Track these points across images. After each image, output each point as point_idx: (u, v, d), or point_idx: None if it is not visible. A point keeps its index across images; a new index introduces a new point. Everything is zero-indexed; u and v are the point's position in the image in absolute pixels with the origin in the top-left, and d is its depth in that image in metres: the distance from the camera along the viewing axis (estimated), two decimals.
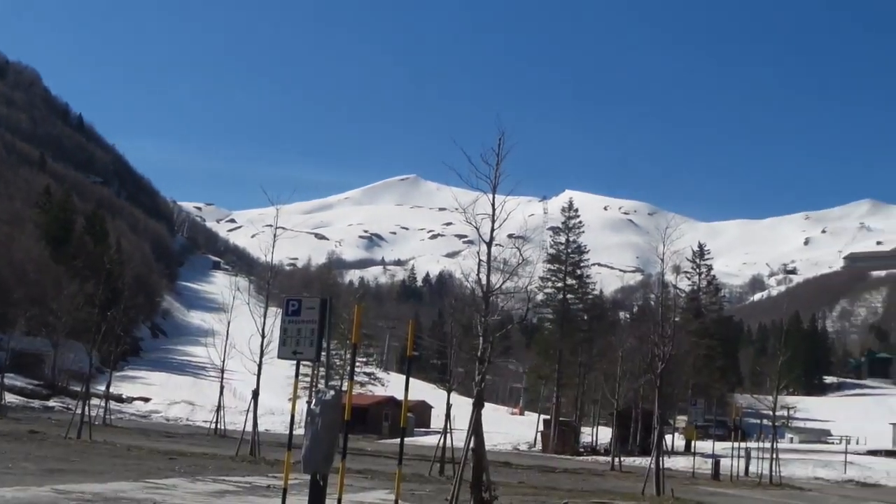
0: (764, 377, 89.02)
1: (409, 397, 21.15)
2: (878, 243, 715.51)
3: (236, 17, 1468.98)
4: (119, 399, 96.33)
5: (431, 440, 60.27)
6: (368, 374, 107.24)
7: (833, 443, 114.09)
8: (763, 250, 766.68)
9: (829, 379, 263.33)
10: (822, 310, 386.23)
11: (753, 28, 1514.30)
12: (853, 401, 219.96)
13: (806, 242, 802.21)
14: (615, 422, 68.56)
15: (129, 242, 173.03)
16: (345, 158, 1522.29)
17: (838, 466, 70.44)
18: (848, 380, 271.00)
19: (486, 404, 21.79)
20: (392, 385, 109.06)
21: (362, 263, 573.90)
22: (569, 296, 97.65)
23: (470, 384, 21.82)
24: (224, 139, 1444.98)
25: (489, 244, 20.52)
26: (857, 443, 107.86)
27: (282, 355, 17.25)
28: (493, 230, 20.55)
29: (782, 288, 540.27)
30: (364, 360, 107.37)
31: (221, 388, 60.28)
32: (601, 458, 74.40)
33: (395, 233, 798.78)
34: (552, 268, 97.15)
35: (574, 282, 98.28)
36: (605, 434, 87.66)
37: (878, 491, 57.85)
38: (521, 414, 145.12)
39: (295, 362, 17.39)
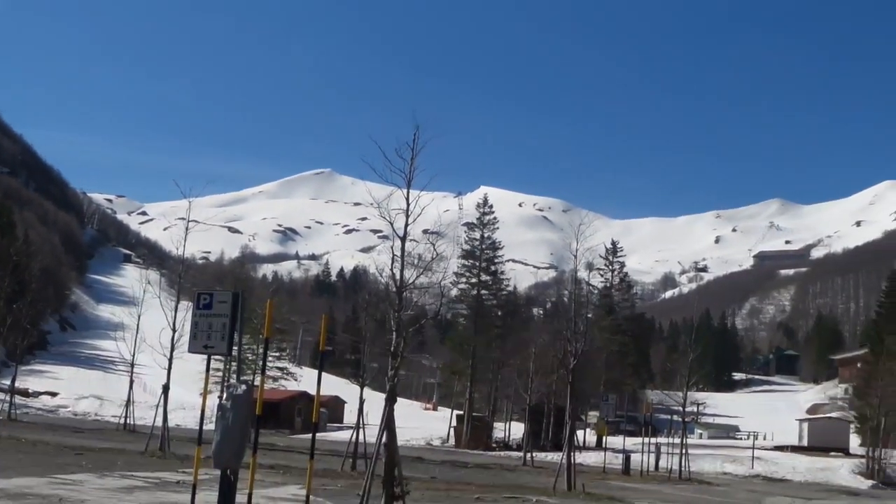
0: (674, 373, 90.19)
1: (323, 392, 21.11)
2: (787, 242, 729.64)
3: (149, 6, 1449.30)
4: (25, 394, 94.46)
5: (344, 435, 60.11)
6: (281, 369, 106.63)
7: (741, 438, 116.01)
8: (675, 248, 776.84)
9: (738, 375, 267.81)
10: (732, 307, 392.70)
11: (667, 26, 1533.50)
12: (761, 397, 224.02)
13: (717, 241, 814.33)
14: (528, 417, 69.00)
15: (37, 234, 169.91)
16: (259, 152, 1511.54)
17: (746, 461, 71.65)
18: (756, 376, 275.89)
19: (400, 399, 21.84)
20: (305, 380, 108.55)
21: (276, 258, 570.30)
22: (483, 292, 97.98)
23: (383, 379, 21.79)
24: (136, 130, 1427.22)
25: (403, 239, 20.53)
26: (765, 438, 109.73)
27: (193, 349, 17.11)
28: (406, 225, 20.55)
29: (693, 285, 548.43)
30: (277, 354, 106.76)
31: (131, 382, 59.50)
32: (514, 454, 74.77)
33: (309, 227, 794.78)
34: (467, 263, 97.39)
35: (488, 278, 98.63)
36: (517, 429, 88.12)
37: (785, 485, 59.01)
38: (435, 409, 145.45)
39: (206, 357, 17.26)
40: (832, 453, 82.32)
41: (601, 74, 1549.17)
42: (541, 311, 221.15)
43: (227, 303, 16.86)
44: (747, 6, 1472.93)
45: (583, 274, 76.24)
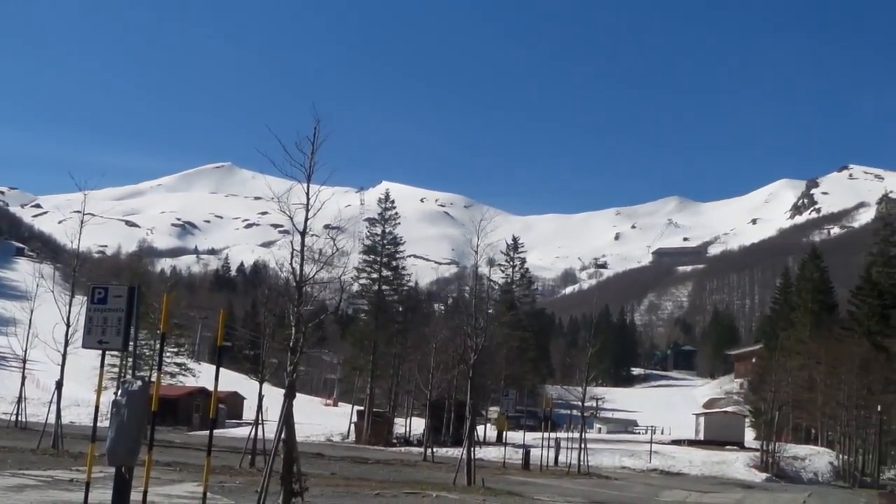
0: (574, 369, 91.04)
1: (221, 388, 20.92)
2: (685, 239, 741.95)
3: None
4: None
5: (243, 432, 59.65)
6: (179, 365, 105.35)
7: (639, 433, 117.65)
8: (576, 245, 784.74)
9: (636, 371, 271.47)
10: (630, 303, 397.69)
11: (569, 23, 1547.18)
12: (659, 392, 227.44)
13: (617, 238, 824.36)
14: (428, 412, 69.11)
15: None
16: (158, 145, 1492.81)
17: (644, 456, 72.66)
18: (654, 371, 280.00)
19: (300, 395, 21.73)
20: (203, 376, 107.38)
21: (175, 252, 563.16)
22: (384, 287, 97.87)
23: (283, 375, 21.66)
24: (30, 121, 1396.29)
25: (303, 234, 20.41)
26: (663, 433, 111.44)
27: (87, 345, 16.83)
28: (307, 220, 20.43)
29: (593, 281, 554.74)
30: (174, 350, 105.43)
31: (23, 378, 58.24)
32: (414, 449, 74.83)
33: (209, 221, 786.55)
34: (368, 259, 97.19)
35: (389, 273, 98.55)
36: (418, 425, 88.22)
37: (681, 479, 59.97)
38: (335, 405, 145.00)
39: (101, 352, 16.98)
40: (728, 447, 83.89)
41: (502, 71, 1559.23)
42: (442, 307, 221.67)
43: (123, 297, 16.62)
44: (645, 3, 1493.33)
45: (484, 270, 76.58)
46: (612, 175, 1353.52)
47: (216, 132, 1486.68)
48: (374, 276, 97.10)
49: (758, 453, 76.74)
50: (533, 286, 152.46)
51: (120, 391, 15.51)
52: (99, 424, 17.24)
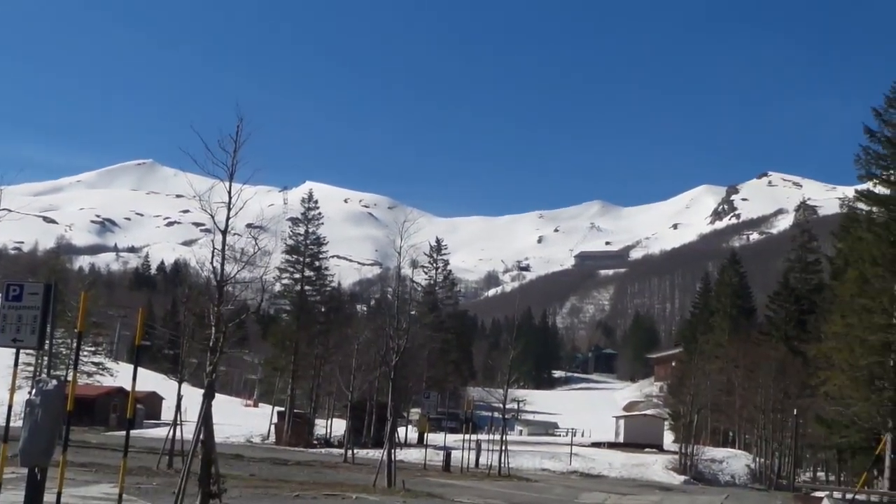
0: (496, 371, 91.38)
1: (140, 388, 20.66)
2: (607, 243, 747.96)
3: None
4: None
5: (162, 432, 58.94)
6: (96, 364, 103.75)
7: (560, 435, 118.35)
8: (499, 247, 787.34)
9: (557, 373, 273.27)
10: (553, 306, 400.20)
11: (494, 26, 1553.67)
12: (580, 394, 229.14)
13: (540, 241, 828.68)
14: (349, 414, 68.95)
15: None
16: (79, 140, 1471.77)
17: (564, 458, 73.10)
18: (576, 374, 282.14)
19: (220, 396, 21.54)
20: (122, 375, 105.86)
21: (94, 249, 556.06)
22: (306, 287, 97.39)
23: (203, 375, 21.44)
24: None
25: (224, 233, 20.23)
26: (583, 435, 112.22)
27: (0, 343, 16.53)
28: (228, 219, 20.26)
29: (516, 284, 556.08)
30: (92, 349, 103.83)
31: None
32: (335, 451, 74.61)
33: (129, 219, 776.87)
34: (290, 259, 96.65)
35: (312, 273, 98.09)
36: (339, 426, 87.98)
37: (601, 481, 60.44)
38: (256, 406, 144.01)
39: (15, 350, 16.67)
40: (647, 450, 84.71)
41: (427, 72, 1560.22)
42: (364, 308, 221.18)
43: (39, 295, 16.34)
44: (575, 13, 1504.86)
45: (407, 271, 76.59)
46: (537, 178, 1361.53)
47: (138, 129, 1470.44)
48: (297, 276, 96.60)
49: (676, 456, 77.58)
50: (456, 288, 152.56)
51: (34, 390, 15.25)
52: (12, 424, 16.93)
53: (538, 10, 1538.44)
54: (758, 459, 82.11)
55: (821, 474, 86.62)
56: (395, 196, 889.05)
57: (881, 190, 49.03)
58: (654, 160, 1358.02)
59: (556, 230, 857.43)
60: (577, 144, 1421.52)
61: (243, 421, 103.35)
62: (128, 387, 23.67)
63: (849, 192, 69.11)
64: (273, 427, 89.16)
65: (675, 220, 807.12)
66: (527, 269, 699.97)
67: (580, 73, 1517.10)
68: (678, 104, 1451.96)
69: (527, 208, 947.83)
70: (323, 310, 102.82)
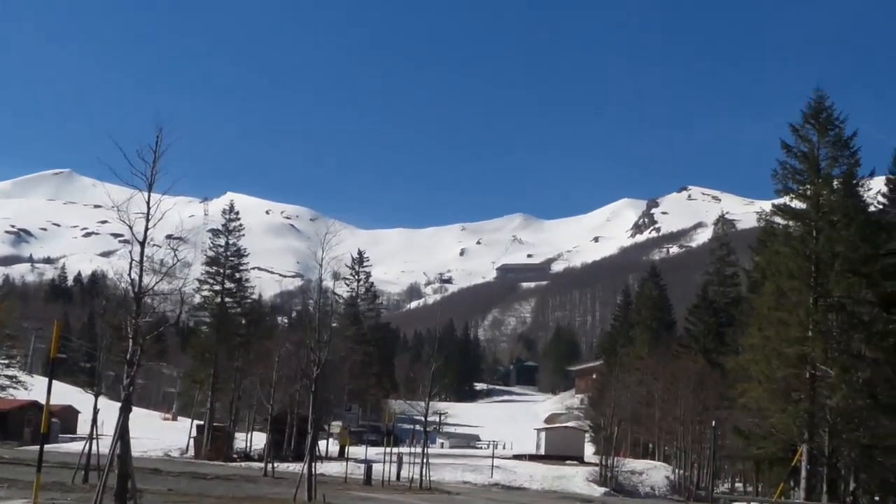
0: (418, 383, 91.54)
1: (55, 401, 20.34)
2: (529, 256, 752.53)
3: None
4: None
5: (77, 446, 58.05)
6: (10, 377, 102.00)
7: (481, 448, 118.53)
8: (422, 259, 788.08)
9: (479, 386, 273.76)
10: (475, 318, 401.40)
11: (411, 34, 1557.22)
12: (501, 407, 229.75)
13: (462, 253, 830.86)
14: (270, 427, 68.51)
15: None
16: None
17: (486, 470, 73.24)
18: (497, 387, 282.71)
19: (138, 409, 21.30)
20: (36, 389, 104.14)
21: (8, 260, 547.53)
22: (227, 299, 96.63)
23: (120, 388, 21.19)
24: None
25: (142, 244, 20.03)
26: (504, 447, 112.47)
27: None
28: (147, 229, 20.07)
29: (438, 296, 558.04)
30: (6, 362, 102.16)
31: None
32: (255, 464, 74.02)
33: (45, 229, 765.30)
34: (211, 270, 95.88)
35: (233, 285, 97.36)
36: (259, 439, 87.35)
37: (522, 493, 60.72)
38: (174, 419, 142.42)
39: None
40: (568, 462, 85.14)
41: (347, 82, 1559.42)
42: (285, 320, 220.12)
43: None
44: (495, 25, 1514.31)
45: (329, 283, 76.44)
46: (459, 191, 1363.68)
47: (56, 138, 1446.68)
48: (217, 287, 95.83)
49: (597, 468, 78.09)
50: (378, 300, 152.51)
51: None
52: None
53: (458, 21, 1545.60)
54: (677, 471, 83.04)
55: (739, 485, 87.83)
56: (317, 208, 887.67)
57: (797, 204, 49.98)
58: (575, 174, 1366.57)
59: (478, 242, 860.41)
60: (499, 157, 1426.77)
61: (161, 435, 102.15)
62: (42, 400, 23.30)
63: (766, 206, 70.17)
64: (192, 441, 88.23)
65: (596, 234, 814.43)
66: (449, 281, 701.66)
67: (501, 86, 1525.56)
68: (599, 118, 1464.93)
69: (449, 221, 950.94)
70: (243, 322, 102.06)
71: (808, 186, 48.82)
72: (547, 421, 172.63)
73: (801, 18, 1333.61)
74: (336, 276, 77.97)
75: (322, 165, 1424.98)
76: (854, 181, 49.34)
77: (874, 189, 52.91)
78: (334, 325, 79.14)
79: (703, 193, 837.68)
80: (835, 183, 48.66)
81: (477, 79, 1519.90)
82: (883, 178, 61.00)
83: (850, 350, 46.95)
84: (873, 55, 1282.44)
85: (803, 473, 46.37)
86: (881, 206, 61.57)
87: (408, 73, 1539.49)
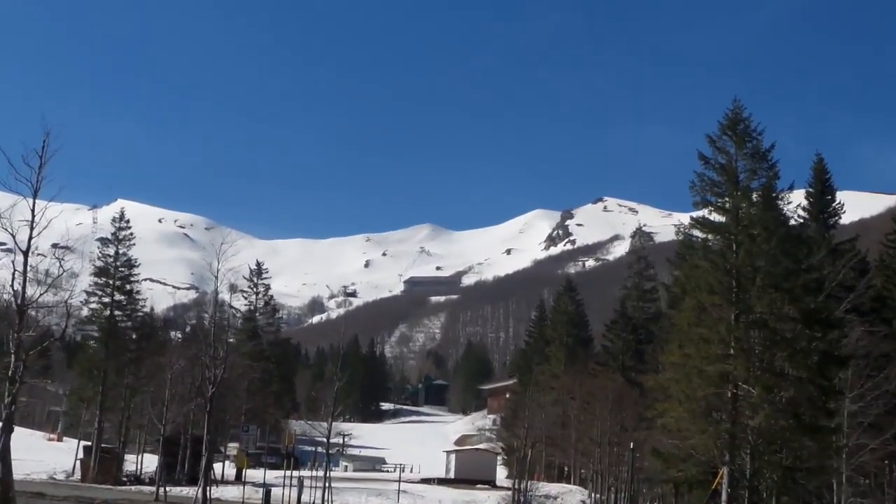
0: (320, 403, 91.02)
1: None
2: (438, 269, 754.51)
3: None
4: None
5: None
6: None
7: (388, 471, 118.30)
8: (324, 271, 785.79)
9: (386, 405, 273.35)
10: (381, 334, 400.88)
11: (312, 45, 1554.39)
12: (410, 428, 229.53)
13: (367, 265, 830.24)
14: (162, 448, 67.69)
15: None
16: None
17: (392, 495, 73.06)
18: (405, 406, 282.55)
19: (20, 429, 20.85)
20: None
21: None
22: (117, 312, 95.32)
23: (1, 407, 20.75)
24: None
25: (26, 253, 19.68)
26: (412, 471, 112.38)
27: None
28: (31, 238, 19.71)
29: (342, 311, 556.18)
30: None
31: None
32: (146, 488, 73.03)
33: None
34: (99, 281, 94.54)
35: (123, 297, 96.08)
36: (151, 461, 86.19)
37: None
38: (60, 440, 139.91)
39: None
40: (479, 486, 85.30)
41: (243, 88, 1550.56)
42: (179, 335, 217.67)
43: None
44: (405, 34, 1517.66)
45: (225, 296, 75.88)
46: (362, 200, 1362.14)
47: None
48: (106, 300, 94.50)
49: (510, 492, 78.25)
50: (278, 314, 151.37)
51: None
52: None
53: (360, 24, 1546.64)
54: (594, 495, 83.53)
55: None
56: (213, 216, 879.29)
57: (716, 217, 50.64)
58: (485, 183, 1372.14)
59: (384, 254, 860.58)
60: (404, 165, 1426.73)
61: (46, 456, 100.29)
62: None
63: (684, 218, 71.28)
64: (78, 463, 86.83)
65: (508, 245, 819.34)
66: (353, 294, 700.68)
67: (405, 92, 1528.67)
68: (508, 127, 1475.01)
69: (352, 231, 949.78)
70: (134, 337, 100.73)
71: (727, 199, 49.50)
72: (457, 443, 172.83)
73: (718, 28, 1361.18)
74: (233, 289, 77.49)
75: (218, 172, 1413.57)
76: (773, 194, 50.13)
77: (794, 203, 53.86)
78: (231, 340, 78.58)
79: (620, 205, 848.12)
80: (754, 196, 49.35)
81: (379, 84, 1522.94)
82: (802, 191, 62.30)
83: (772, 368, 47.63)
84: (791, 67, 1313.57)
85: (724, 497, 46.91)
86: (801, 220, 62.94)
87: (307, 77, 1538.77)
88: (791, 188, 51.20)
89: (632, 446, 65.67)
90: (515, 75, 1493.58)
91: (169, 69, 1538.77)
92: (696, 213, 54.57)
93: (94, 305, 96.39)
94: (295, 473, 65.75)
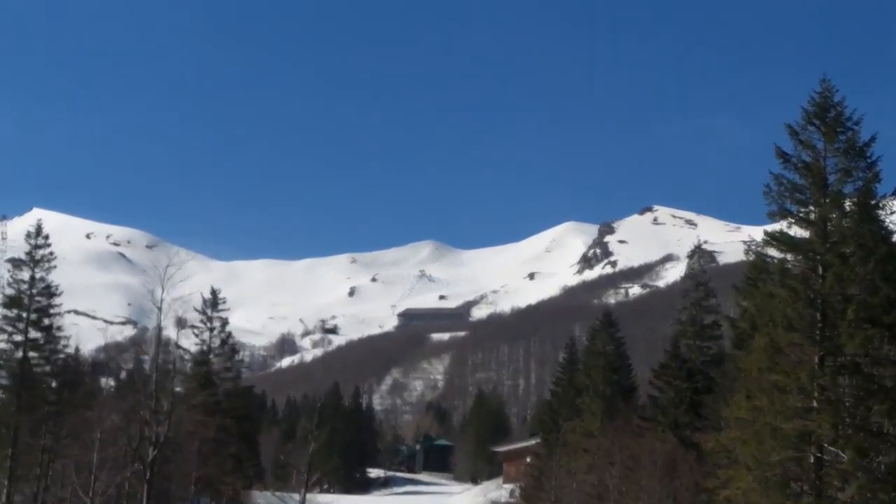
0: (291, 469, 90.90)
1: None
2: (442, 298, 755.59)
3: None
4: None
5: None
6: None
7: None
8: (297, 301, 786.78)
9: (374, 472, 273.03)
10: (368, 381, 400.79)
11: (295, 28, 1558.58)
12: (404, 500, 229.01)
13: (351, 293, 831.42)
14: None
15: None
16: None
17: None
18: (399, 473, 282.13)
19: None
20: None
21: None
22: (32, 354, 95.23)
23: None
24: None
25: None
26: None
27: None
28: None
29: (319, 351, 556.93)
30: None
31: None
32: None
33: None
34: (10, 314, 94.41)
35: (40, 335, 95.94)
36: None
37: None
38: None
39: None
40: None
41: (194, 76, 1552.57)
42: (112, 383, 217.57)
43: None
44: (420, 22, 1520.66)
45: (171, 332, 75.73)
46: (346, 212, 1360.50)
47: None
48: (18, 338, 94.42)
49: None
50: (238, 356, 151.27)
51: None
52: None
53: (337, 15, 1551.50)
54: None
55: None
56: (156, 231, 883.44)
57: (798, 231, 49.97)
58: (501, 190, 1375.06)
59: (373, 279, 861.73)
60: (401, 170, 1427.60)
61: None
62: None
63: (756, 233, 70.92)
64: None
65: (531, 268, 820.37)
66: (334, 330, 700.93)
67: (402, 88, 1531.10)
68: (528, 121, 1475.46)
69: (334, 250, 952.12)
70: (54, 385, 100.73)
71: (812, 208, 48.80)
72: None
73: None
74: (181, 323, 77.27)
75: (162, 178, 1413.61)
76: (872, 201, 49.07)
77: None
78: (178, 389, 78.48)
79: (674, 216, 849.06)
80: (847, 204, 48.69)
81: (367, 73, 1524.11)
82: None
83: (867, 426, 47.23)
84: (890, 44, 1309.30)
85: None
86: None
87: (281, 60, 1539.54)
88: None
89: None
90: (537, 59, 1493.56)
91: (95, 57, 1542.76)
92: (771, 227, 53.93)
93: (2, 345, 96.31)
94: None
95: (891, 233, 51.85)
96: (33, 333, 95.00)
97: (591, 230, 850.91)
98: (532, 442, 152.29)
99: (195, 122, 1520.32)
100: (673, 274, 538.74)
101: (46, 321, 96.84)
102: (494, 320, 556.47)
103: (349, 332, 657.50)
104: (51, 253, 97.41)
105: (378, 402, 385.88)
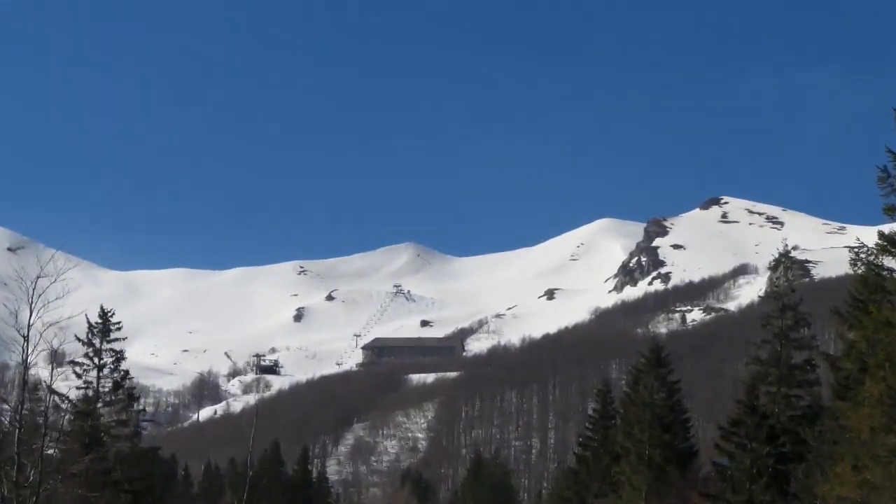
0: None
1: None
2: (425, 324, 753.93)
3: None
4: None
5: None
6: None
7: None
8: (222, 327, 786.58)
9: None
10: (321, 440, 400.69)
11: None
12: None
13: (298, 317, 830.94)
14: None
15: None
16: None
17: None
18: None
19: None
20: None
21: None
22: None
23: None
24: None
25: None
26: None
27: None
28: None
29: (252, 398, 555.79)
30: None
31: None
32: None
33: None
34: None
35: None
36: None
37: None
38: None
39: None
40: None
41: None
42: None
43: None
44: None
45: (42, 371, 75.33)
46: (292, 204, 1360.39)
47: None
48: None
49: None
50: (138, 405, 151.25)
51: None
52: None
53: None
54: None
55: None
56: (23, 230, 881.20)
57: None
58: (509, 177, 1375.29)
59: (329, 297, 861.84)
60: (365, 148, 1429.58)
61: None
62: None
63: (867, 235, 70.63)
64: None
65: (549, 284, 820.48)
66: (273, 369, 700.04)
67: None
68: (549, 84, 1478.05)
69: (275, 257, 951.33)
70: None
71: None
72: None
73: None
74: (57, 359, 77.03)
75: (32, 157, 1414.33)
76: None
77: None
78: (51, 451, 78.05)
79: (750, 211, 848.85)
80: None
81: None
82: None
83: None
84: None
85: None
86: None
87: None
88: None
89: None
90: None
91: None
92: (888, 226, 53.71)
93: None
94: None
95: None
96: None
97: (635, 231, 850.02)
98: None
99: (75, 81, 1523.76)
100: (748, 293, 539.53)
101: None
102: (497, 356, 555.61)
103: (295, 372, 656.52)
104: None
105: (335, 469, 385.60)
